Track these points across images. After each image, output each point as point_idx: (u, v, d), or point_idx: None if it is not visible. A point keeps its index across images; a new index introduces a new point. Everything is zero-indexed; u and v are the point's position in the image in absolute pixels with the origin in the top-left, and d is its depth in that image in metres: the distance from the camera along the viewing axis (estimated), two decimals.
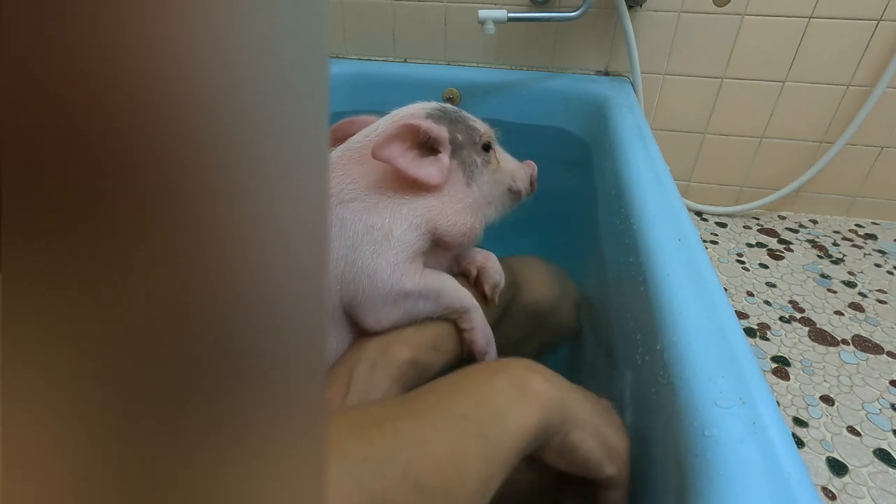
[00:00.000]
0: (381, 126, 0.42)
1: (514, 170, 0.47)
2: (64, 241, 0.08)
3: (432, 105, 0.43)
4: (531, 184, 0.49)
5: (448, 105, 0.44)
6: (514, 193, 0.47)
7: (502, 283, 0.45)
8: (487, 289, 0.44)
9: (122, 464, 0.09)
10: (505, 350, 0.45)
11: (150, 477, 0.10)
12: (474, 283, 0.45)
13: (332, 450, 0.24)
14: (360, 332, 0.38)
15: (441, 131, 0.40)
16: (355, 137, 0.42)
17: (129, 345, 0.09)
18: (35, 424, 0.09)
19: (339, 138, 0.45)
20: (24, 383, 0.08)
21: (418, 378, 0.37)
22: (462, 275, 0.45)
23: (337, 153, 0.41)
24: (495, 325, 0.44)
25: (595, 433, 0.32)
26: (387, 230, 0.37)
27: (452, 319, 0.41)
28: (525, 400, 0.30)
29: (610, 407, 0.36)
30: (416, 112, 0.42)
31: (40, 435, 0.09)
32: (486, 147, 0.44)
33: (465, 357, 0.42)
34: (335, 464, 0.23)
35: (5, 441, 0.08)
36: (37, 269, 0.08)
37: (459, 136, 0.42)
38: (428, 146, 0.40)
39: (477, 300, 0.42)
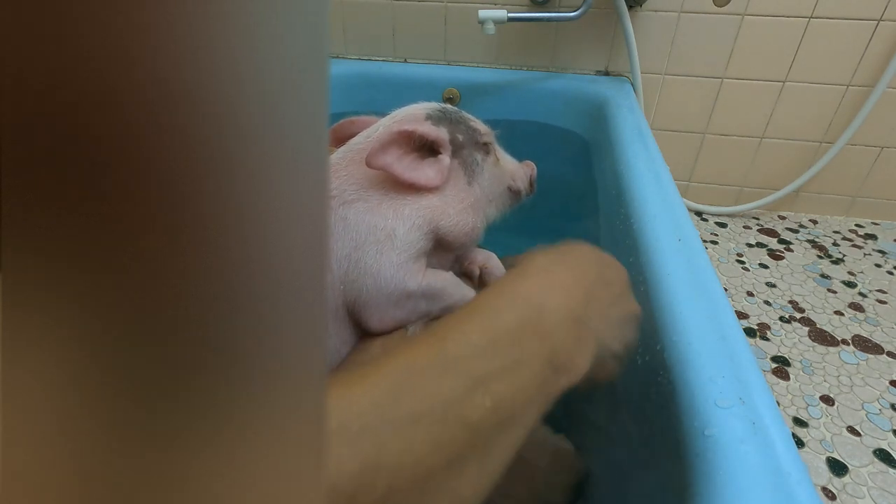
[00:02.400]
0: (381, 127, 0.42)
1: (514, 170, 0.47)
2: (64, 240, 0.08)
3: (432, 105, 0.43)
4: (531, 184, 0.49)
5: (448, 105, 0.44)
6: (514, 193, 0.47)
7: None
8: None
9: (121, 461, 0.09)
10: None
11: (148, 475, 0.10)
12: (478, 283, 0.45)
13: (324, 490, 0.19)
14: (364, 332, 0.38)
15: (440, 133, 0.40)
16: (356, 139, 0.42)
17: (129, 345, 0.09)
18: (34, 422, 0.09)
19: (339, 138, 0.45)
20: (24, 382, 0.08)
21: None
22: (464, 275, 0.45)
23: (339, 154, 0.41)
24: None
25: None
26: (390, 230, 0.37)
27: None
28: (555, 382, 0.25)
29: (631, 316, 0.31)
30: (415, 113, 0.42)
31: (39, 433, 0.09)
32: (487, 147, 0.44)
33: None
34: None
35: (4, 440, 0.08)
36: (37, 268, 0.08)
37: (460, 137, 0.42)
38: (427, 148, 0.40)
39: None
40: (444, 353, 0.23)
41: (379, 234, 0.37)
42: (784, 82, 0.92)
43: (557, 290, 0.27)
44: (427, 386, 0.22)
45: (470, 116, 0.45)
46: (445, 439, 0.21)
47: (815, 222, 1.03)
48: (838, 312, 0.80)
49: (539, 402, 0.24)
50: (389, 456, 0.20)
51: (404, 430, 0.20)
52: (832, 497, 0.54)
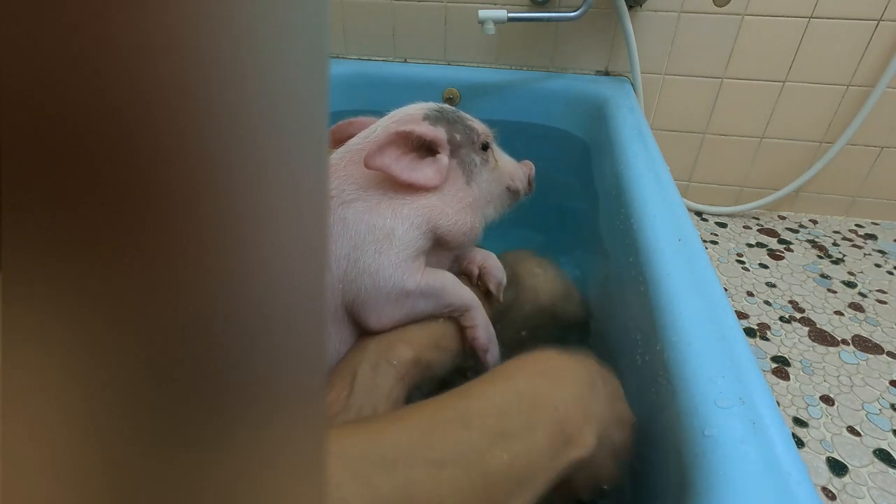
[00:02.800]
0: (379, 127, 0.42)
1: (513, 169, 0.47)
2: (64, 242, 0.08)
3: (430, 106, 0.43)
4: (529, 183, 0.49)
5: (446, 105, 0.44)
6: (512, 192, 0.47)
7: (505, 281, 0.45)
8: (492, 287, 0.44)
9: (122, 464, 0.09)
10: (508, 348, 0.45)
11: (148, 478, 0.10)
12: (477, 282, 0.45)
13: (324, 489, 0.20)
14: (363, 332, 0.38)
15: (437, 133, 0.40)
16: (355, 139, 0.42)
17: (129, 345, 0.09)
18: (34, 425, 0.09)
19: (337, 140, 0.45)
20: (25, 384, 0.08)
21: (422, 377, 0.37)
22: (463, 275, 0.45)
23: (337, 155, 0.41)
24: (497, 322, 0.44)
25: (595, 465, 0.29)
26: (388, 230, 0.37)
27: (454, 317, 0.41)
28: (565, 453, 0.26)
29: (629, 421, 0.34)
30: (413, 114, 0.42)
31: (40, 436, 0.09)
32: (485, 147, 0.44)
33: (467, 354, 0.42)
34: None
35: (5, 442, 0.08)
36: (37, 269, 0.08)
37: (458, 136, 0.42)
38: (425, 148, 0.40)
39: (479, 299, 0.42)
40: (468, 409, 0.26)
41: (378, 234, 0.37)
42: (784, 82, 0.92)
43: (566, 375, 0.30)
44: (454, 435, 0.24)
45: (467, 116, 0.45)
46: (466, 485, 0.23)
47: (815, 222, 1.03)
48: (838, 312, 0.80)
49: (549, 471, 0.26)
50: (419, 491, 0.22)
51: (433, 471, 0.22)
52: (832, 497, 0.54)
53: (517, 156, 0.50)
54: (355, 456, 0.22)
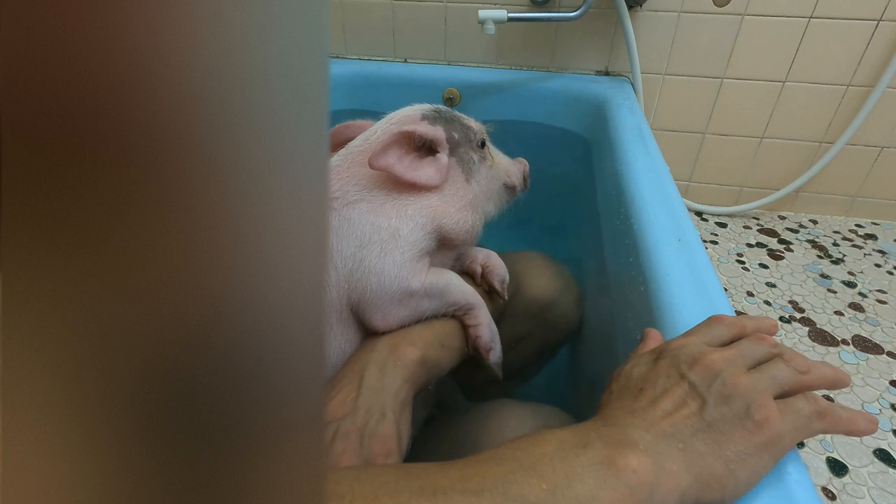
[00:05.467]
0: (379, 129, 0.42)
1: (508, 166, 0.48)
2: (64, 243, 0.08)
3: (427, 107, 0.44)
4: (524, 179, 0.49)
5: (442, 106, 0.45)
6: (509, 189, 0.48)
7: (508, 278, 0.45)
8: (497, 284, 0.44)
9: (119, 467, 0.09)
10: (508, 346, 0.45)
11: (144, 481, 0.10)
12: (480, 281, 0.45)
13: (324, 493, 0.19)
14: (368, 332, 0.38)
15: (437, 132, 0.40)
16: (355, 141, 0.43)
17: (127, 346, 0.09)
18: (33, 423, 0.09)
19: (336, 143, 0.45)
20: (23, 385, 0.08)
21: (428, 376, 0.38)
22: (466, 274, 0.46)
23: (339, 156, 0.42)
24: (498, 321, 0.44)
25: None
26: (393, 230, 0.37)
27: (458, 316, 0.41)
28: (617, 481, 0.24)
29: None
30: (411, 115, 0.42)
31: (38, 433, 0.09)
32: (482, 144, 0.45)
33: (470, 353, 0.42)
34: None
35: (5, 443, 0.08)
36: (37, 270, 0.08)
37: (456, 135, 0.42)
38: (425, 148, 0.41)
39: (482, 298, 0.42)
40: (500, 451, 0.25)
41: (383, 234, 0.37)
42: (784, 82, 0.92)
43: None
44: (489, 469, 0.24)
45: (462, 115, 0.45)
46: None
47: (815, 222, 1.03)
48: (838, 312, 0.80)
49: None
50: None
51: (471, 498, 0.22)
52: (832, 497, 0.54)
53: (516, 155, 0.50)
54: (393, 484, 0.22)
